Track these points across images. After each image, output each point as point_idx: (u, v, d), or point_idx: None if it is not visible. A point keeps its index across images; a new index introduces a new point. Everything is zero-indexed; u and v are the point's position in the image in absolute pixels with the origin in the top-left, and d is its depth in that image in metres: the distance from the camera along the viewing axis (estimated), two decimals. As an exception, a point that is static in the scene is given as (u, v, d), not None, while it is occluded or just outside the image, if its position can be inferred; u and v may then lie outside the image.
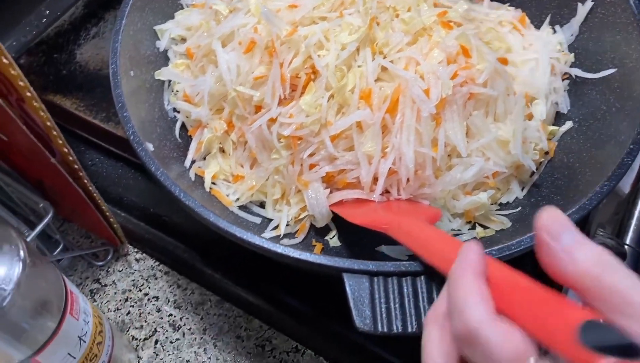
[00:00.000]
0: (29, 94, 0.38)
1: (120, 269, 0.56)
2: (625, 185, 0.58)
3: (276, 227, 0.47)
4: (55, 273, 0.39)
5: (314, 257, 0.36)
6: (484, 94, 0.45)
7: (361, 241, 0.46)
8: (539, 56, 0.51)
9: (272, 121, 0.45)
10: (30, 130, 0.40)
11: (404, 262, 0.35)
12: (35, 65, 0.66)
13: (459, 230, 0.47)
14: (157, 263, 0.56)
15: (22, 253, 0.35)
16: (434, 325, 0.26)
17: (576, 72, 0.51)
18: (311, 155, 0.45)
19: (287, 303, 0.52)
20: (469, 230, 0.47)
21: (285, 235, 0.47)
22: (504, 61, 0.49)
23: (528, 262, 0.30)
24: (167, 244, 0.56)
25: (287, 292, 0.52)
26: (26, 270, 0.34)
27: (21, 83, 0.37)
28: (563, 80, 0.52)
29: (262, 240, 0.36)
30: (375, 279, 0.34)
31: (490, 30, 0.51)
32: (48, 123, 0.40)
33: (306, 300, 0.51)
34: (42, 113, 0.39)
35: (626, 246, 0.57)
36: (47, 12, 0.72)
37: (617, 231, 0.62)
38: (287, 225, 0.47)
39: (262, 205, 0.49)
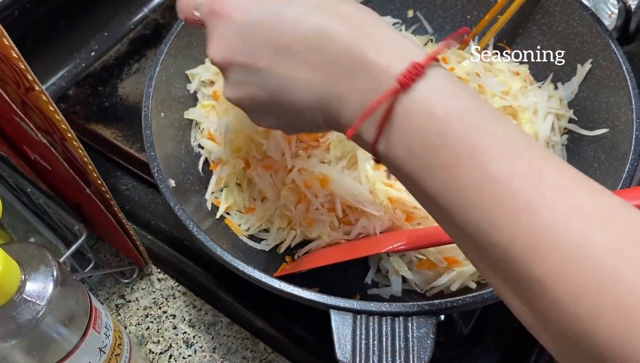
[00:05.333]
0: (69, 135, 0.43)
1: (144, 287, 0.62)
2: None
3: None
4: (82, 291, 0.44)
5: (305, 293, 0.40)
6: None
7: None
8: (539, 104, 0.54)
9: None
10: (69, 164, 0.45)
11: (385, 303, 0.38)
12: (82, 96, 0.72)
13: None
14: (176, 283, 0.61)
15: (55, 273, 0.39)
16: None
17: (573, 127, 0.54)
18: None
19: (291, 329, 0.56)
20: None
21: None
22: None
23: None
24: (187, 267, 0.61)
25: (292, 319, 0.56)
26: (58, 288, 0.39)
27: (64, 126, 0.43)
28: (562, 135, 0.55)
29: (261, 275, 0.41)
30: (359, 317, 0.38)
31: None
32: (85, 159, 0.46)
33: (310, 328, 0.55)
34: (80, 151, 0.45)
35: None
36: (96, 46, 0.80)
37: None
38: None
39: (267, 230, 0.54)
